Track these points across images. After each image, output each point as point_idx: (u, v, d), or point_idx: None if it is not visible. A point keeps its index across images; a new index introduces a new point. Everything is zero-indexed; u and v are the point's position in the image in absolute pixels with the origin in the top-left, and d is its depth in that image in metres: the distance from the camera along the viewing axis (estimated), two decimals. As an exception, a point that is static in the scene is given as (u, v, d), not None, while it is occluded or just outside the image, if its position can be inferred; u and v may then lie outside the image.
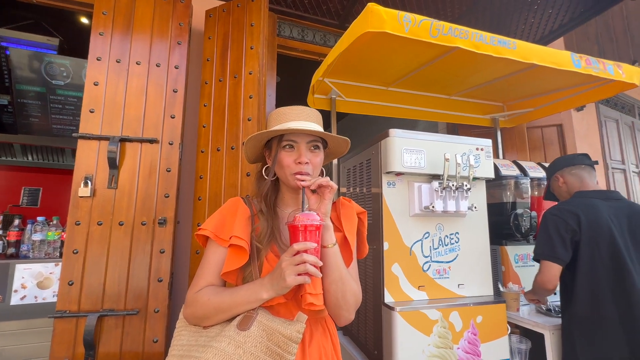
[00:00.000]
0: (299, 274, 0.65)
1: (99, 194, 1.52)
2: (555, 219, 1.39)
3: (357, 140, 1.60)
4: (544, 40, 2.70)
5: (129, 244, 1.51)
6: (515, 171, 1.95)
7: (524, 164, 2.03)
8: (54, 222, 1.97)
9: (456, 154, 1.40)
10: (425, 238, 1.44)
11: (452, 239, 1.48)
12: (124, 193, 1.55)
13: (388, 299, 1.35)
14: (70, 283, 1.41)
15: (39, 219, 1.94)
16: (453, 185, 1.38)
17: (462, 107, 2.52)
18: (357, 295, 0.79)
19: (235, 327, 0.67)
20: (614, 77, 1.74)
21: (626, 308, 1.24)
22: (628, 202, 1.42)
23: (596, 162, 1.55)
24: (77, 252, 1.44)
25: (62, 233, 1.95)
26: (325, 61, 1.70)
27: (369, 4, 1.27)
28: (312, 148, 0.82)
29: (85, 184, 1.49)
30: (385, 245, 1.39)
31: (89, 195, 1.48)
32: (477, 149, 1.51)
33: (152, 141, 1.62)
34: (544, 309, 1.65)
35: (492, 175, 1.54)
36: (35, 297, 1.77)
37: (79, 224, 1.47)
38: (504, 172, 1.91)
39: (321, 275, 0.69)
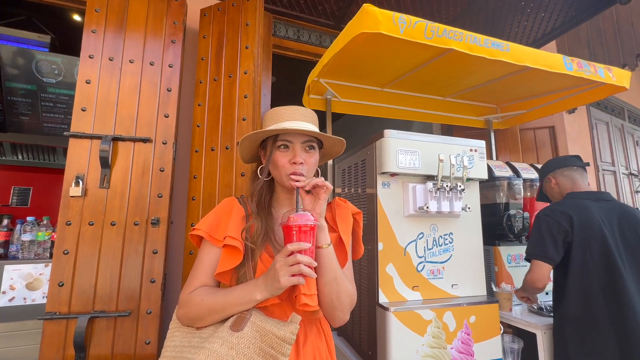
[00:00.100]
0: (293, 275, 0.65)
1: (91, 193, 1.49)
2: (547, 220, 1.40)
3: (354, 140, 1.60)
4: (537, 43, 2.74)
5: (121, 245, 1.49)
6: (508, 172, 1.97)
7: (516, 165, 2.06)
8: (44, 222, 1.94)
9: (450, 155, 1.41)
10: (420, 238, 1.45)
11: (446, 239, 1.49)
12: (116, 193, 1.53)
13: (382, 299, 1.36)
14: (60, 284, 1.39)
15: (29, 219, 1.90)
16: (447, 186, 1.39)
17: (456, 108, 2.54)
18: (352, 296, 0.79)
19: (229, 328, 0.66)
20: (604, 80, 1.77)
21: (617, 308, 1.26)
22: (619, 203, 1.44)
23: (587, 164, 1.58)
24: (67, 253, 1.42)
25: (53, 233, 1.91)
26: (320, 61, 1.70)
27: (364, 4, 1.27)
28: (307, 148, 0.82)
29: (77, 184, 1.46)
30: (380, 246, 1.39)
31: (80, 194, 1.46)
32: (470, 150, 1.53)
33: (145, 140, 1.60)
34: (536, 307, 1.67)
35: (485, 176, 1.55)
36: (25, 299, 1.74)
37: (70, 224, 1.44)
38: (497, 173, 1.93)
39: (316, 275, 0.68)
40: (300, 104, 1.80)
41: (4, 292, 1.71)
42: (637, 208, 3.70)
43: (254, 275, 0.74)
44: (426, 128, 3.51)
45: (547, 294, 1.84)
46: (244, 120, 1.74)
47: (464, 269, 1.50)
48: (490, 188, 2.01)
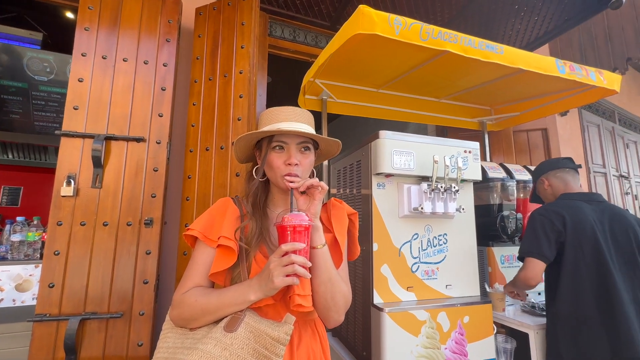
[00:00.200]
0: (287, 275, 0.65)
1: (83, 193, 1.47)
2: (542, 219, 1.42)
3: (352, 141, 1.60)
4: (530, 46, 2.77)
5: (114, 245, 1.47)
6: (501, 174, 1.99)
7: (510, 166, 2.08)
8: (35, 222, 1.91)
9: (445, 156, 1.42)
10: (414, 239, 1.46)
11: (441, 240, 1.50)
12: (109, 193, 1.51)
13: (377, 300, 1.36)
14: (50, 285, 1.36)
15: (19, 219, 1.87)
16: (442, 187, 1.40)
17: (451, 110, 2.56)
18: (347, 296, 0.78)
19: (222, 329, 0.66)
20: (595, 83, 1.80)
21: (608, 308, 1.28)
22: (610, 205, 1.46)
23: (579, 166, 1.60)
24: (58, 254, 1.40)
25: (43, 234, 1.88)
26: (316, 62, 1.70)
27: (360, 6, 1.28)
28: (302, 149, 0.81)
29: (68, 183, 1.44)
30: (375, 247, 1.39)
31: (71, 194, 1.44)
32: (465, 151, 1.54)
33: (139, 140, 1.58)
34: (525, 304, 1.69)
35: (479, 177, 1.57)
36: (14, 300, 1.70)
37: (61, 224, 1.42)
38: (491, 174, 1.95)
39: (310, 276, 0.68)
40: (296, 104, 1.80)
41: (-8, 294, 1.67)
42: (627, 209, 3.76)
43: (248, 276, 0.74)
44: (421, 129, 3.53)
45: (539, 294, 1.86)
46: (239, 120, 1.73)
47: (458, 269, 1.51)
48: (484, 189, 2.02)
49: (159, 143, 1.62)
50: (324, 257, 0.74)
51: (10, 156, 2.78)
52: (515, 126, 2.91)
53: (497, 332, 1.48)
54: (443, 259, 1.49)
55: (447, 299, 1.45)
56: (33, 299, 1.72)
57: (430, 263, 1.46)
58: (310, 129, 0.82)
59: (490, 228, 1.93)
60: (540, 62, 1.63)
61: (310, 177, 0.84)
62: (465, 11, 2.46)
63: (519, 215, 1.94)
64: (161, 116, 1.64)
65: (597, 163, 3.62)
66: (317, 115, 1.44)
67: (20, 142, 2.62)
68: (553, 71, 1.65)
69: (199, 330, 0.71)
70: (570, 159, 1.61)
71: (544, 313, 1.52)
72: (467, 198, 1.58)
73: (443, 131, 3.10)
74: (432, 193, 1.40)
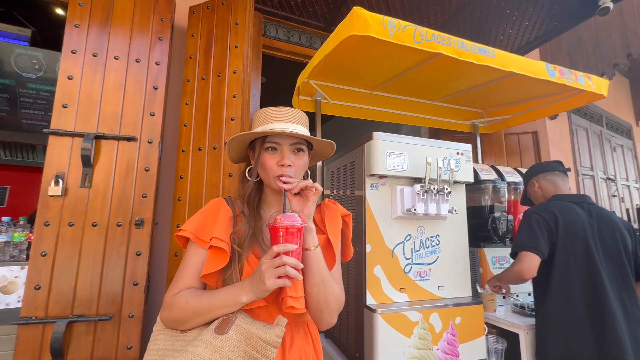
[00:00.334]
0: (279, 277, 0.64)
1: (71, 193, 1.44)
2: (537, 217, 1.43)
3: (346, 142, 1.59)
4: (521, 51, 2.82)
5: (103, 246, 1.45)
6: (493, 176, 2.02)
7: (501, 169, 2.10)
8: (21, 222, 1.86)
9: (438, 158, 1.43)
10: (407, 240, 1.46)
11: (433, 241, 1.51)
12: (99, 192, 1.48)
13: (370, 301, 1.36)
14: (37, 287, 1.33)
15: (4, 219, 1.82)
16: (434, 188, 1.41)
17: (444, 112, 2.58)
18: (340, 298, 0.78)
19: (213, 331, 0.65)
20: (584, 87, 1.84)
21: (596, 308, 1.30)
22: (598, 207, 1.49)
23: (569, 169, 1.63)
24: (45, 255, 1.36)
25: (30, 234, 1.84)
26: (310, 63, 1.70)
27: (354, 7, 1.28)
28: (296, 150, 0.81)
29: (56, 183, 1.41)
30: (368, 248, 1.39)
31: (59, 194, 1.41)
32: (457, 153, 1.55)
33: (129, 139, 1.56)
34: (518, 307, 1.71)
35: (471, 179, 1.58)
36: (-2, 303, 1.66)
37: (48, 225, 1.39)
38: (483, 176, 1.97)
39: (302, 278, 0.68)
40: (290, 105, 1.79)
41: (-25, 296, 1.62)
42: (614, 212, 3.85)
43: (240, 277, 0.73)
44: (415, 131, 3.56)
45: (529, 294, 1.89)
46: (232, 120, 1.72)
47: (450, 270, 1.52)
48: (475, 191, 2.05)
49: (150, 142, 1.60)
50: (317, 258, 0.74)
51: (-4, 155, 2.71)
52: (506, 129, 2.95)
53: (488, 333, 1.50)
54: (435, 260, 1.50)
55: (439, 300, 1.45)
56: (18, 301, 1.68)
57: (423, 264, 1.47)
58: (304, 130, 0.82)
59: (481, 229, 1.95)
60: (531, 65, 1.66)
61: (304, 178, 0.84)
62: (459, 15, 2.49)
63: (510, 216, 1.97)
64: (153, 115, 1.62)
65: (585, 166, 3.70)
66: (311, 116, 1.44)
67: (7, 140, 2.56)
68: (543, 75, 1.68)
69: (189, 332, 0.70)
70: (560, 162, 1.64)
71: (534, 313, 1.54)
72: (459, 200, 1.59)
73: (436, 133, 3.13)
74: (425, 194, 1.41)
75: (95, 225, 1.45)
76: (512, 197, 2.11)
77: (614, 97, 4.48)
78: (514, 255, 1.46)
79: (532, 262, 1.36)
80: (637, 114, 4.95)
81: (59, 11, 2.70)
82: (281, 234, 0.66)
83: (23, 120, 2.47)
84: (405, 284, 1.43)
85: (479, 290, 1.74)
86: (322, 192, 2.03)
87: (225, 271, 0.75)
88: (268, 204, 0.86)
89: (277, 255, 0.65)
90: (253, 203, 0.83)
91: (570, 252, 1.37)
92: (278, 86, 3.77)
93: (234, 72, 1.77)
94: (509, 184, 2.06)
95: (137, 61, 1.63)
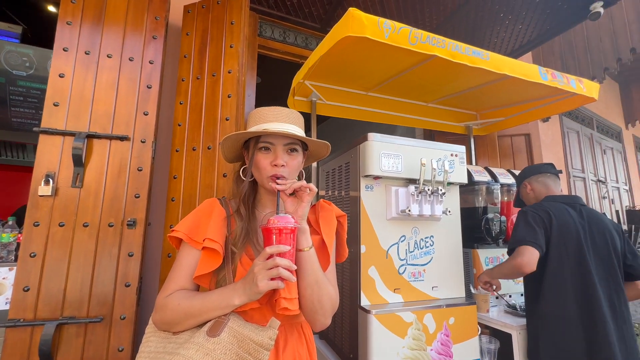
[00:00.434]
0: (272, 279, 0.63)
1: (62, 193, 1.42)
2: (533, 214, 1.44)
3: (343, 143, 1.59)
4: (514, 54, 2.86)
5: (94, 247, 1.42)
6: (486, 177, 2.03)
7: (495, 170, 2.12)
8: (10, 222, 1.82)
9: (432, 159, 1.44)
10: (402, 241, 1.47)
11: (427, 242, 1.51)
12: (90, 192, 1.46)
13: (364, 302, 1.36)
14: (25, 289, 1.31)
15: (-7, 219, 1.79)
16: (429, 189, 1.41)
17: (438, 114, 2.60)
18: (334, 299, 0.77)
19: (205, 334, 0.64)
20: (576, 90, 1.87)
21: (587, 307, 1.32)
22: (588, 208, 1.51)
23: (560, 171, 1.65)
24: (34, 256, 1.34)
25: (19, 235, 1.80)
26: (306, 63, 1.70)
27: (349, 8, 1.28)
28: (290, 151, 0.80)
29: (47, 182, 1.39)
30: (363, 249, 1.39)
31: (50, 194, 1.38)
32: (451, 154, 1.56)
33: (122, 138, 1.54)
34: (511, 307, 1.72)
35: (465, 180, 1.59)
36: (-15, 305, 1.62)
37: (38, 225, 1.36)
38: (477, 177, 1.99)
39: (295, 279, 0.67)
40: (286, 105, 1.79)
41: (-38, 298, 1.59)
42: (605, 213, 3.91)
43: (234, 279, 0.72)
44: (409, 132, 3.57)
45: (522, 295, 1.91)
46: (227, 120, 1.71)
47: (444, 271, 1.53)
48: (469, 192, 2.06)
49: (143, 142, 1.58)
50: (311, 259, 0.73)
51: (-16, 153, 2.66)
52: (500, 131, 2.99)
53: (481, 333, 1.50)
54: (429, 261, 1.50)
55: (433, 301, 1.46)
56: (6, 303, 1.64)
57: (417, 265, 1.48)
58: (298, 130, 0.81)
59: (475, 230, 1.97)
60: (524, 68, 1.68)
61: (299, 178, 0.83)
62: (453, 18, 2.52)
63: (503, 218, 1.98)
64: (146, 114, 1.60)
65: (577, 168, 3.76)
66: (306, 117, 1.43)
67: (-4, 139, 2.51)
68: (536, 78, 1.70)
69: (181, 334, 0.69)
70: (551, 165, 1.66)
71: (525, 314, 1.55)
72: (453, 201, 1.60)
73: (430, 135, 3.15)
74: (420, 195, 1.42)
75: (87, 226, 1.43)
76: (506, 198, 2.13)
77: (605, 101, 4.57)
78: (511, 250, 1.44)
79: (532, 255, 1.34)
80: (626, 117, 5.05)
81: (51, 8, 2.66)
82: (274, 235, 0.66)
83: (13, 119, 2.42)
84: (400, 284, 1.43)
85: (473, 290, 1.76)
86: (317, 193, 2.03)
87: (218, 272, 0.74)
88: (262, 204, 0.86)
89: (270, 256, 0.64)
90: (247, 203, 0.82)
91: (563, 251, 1.38)
92: (273, 86, 3.76)
93: (229, 72, 1.76)
94: (502, 185, 2.08)
95: (131, 60, 1.61)
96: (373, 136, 1.43)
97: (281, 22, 2.56)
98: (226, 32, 1.81)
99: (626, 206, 4.52)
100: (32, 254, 1.34)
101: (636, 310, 3.04)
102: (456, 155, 1.58)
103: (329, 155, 0.94)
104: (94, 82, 1.53)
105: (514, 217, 2.02)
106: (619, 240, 1.43)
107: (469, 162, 2.62)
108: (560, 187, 1.63)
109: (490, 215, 1.95)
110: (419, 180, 1.41)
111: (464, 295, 1.55)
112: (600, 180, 4.09)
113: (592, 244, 1.40)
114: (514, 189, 2.06)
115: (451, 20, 2.55)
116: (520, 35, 2.67)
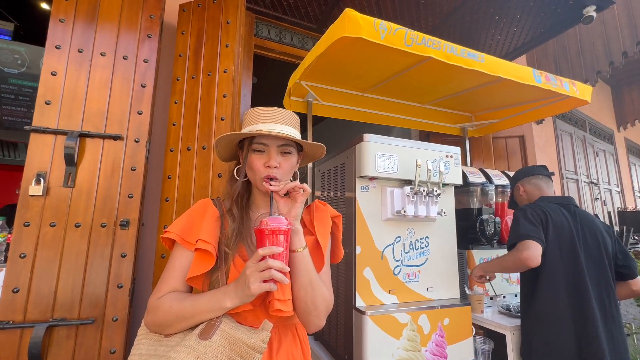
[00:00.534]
0: (264, 281, 0.63)
1: (53, 192, 1.39)
2: (532, 211, 1.45)
3: (340, 144, 1.58)
4: (509, 56, 2.88)
5: (86, 247, 1.40)
6: (481, 178, 2.05)
7: (489, 171, 2.14)
8: (0, 222, 1.79)
9: (427, 160, 1.44)
10: (397, 242, 1.47)
11: (422, 243, 1.52)
12: (82, 192, 1.44)
13: (359, 303, 1.36)
14: (15, 290, 1.28)
15: (-18, 219, 1.75)
16: (424, 190, 1.42)
17: (434, 115, 2.61)
18: (328, 301, 0.77)
19: (197, 337, 0.63)
20: (569, 93, 1.89)
21: (578, 306, 1.33)
22: (581, 210, 1.53)
23: (552, 173, 1.67)
24: (24, 256, 1.31)
25: (8, 235, 1.77)
26: (302, 64, 1.70)
27: (346, 9, 1.28)
28: (284, 152, 0.80)
29: (37, 182, 1.36)
30: (358, 249, 1.39)
31: (41, 193, 1.36)
32: (447, 156, 1.57)
33: (116, 137, 1.52)
34: (504, 308, 1.73)
35: (460, 181, 1.60)
36: (-26, 307, 1.59)
37: (28, 225, 1.34)
38: (472, 179, 2.00)
39: (288, 281, 0.66)
40: (282, 105, 1.78)
41: (-51, 300, 1.55)
42: (597, 215, 3.96)
43: (227, 281, 0.71)
44: (405, 133, 3.59)
45: (515, 295, 1.92)
46: (222, 120, 1.70)
47: (439, 272, 1.53)
48: (464, 193, 2.07)
49: (137, 141, 1.56)
50: (305, 260, 0.72)
51: (-26, 152, 2.62)
52: (494, 133, 3.01)
53: (475, 334, 1.51)
54: (424, 262, 1.51)
55: (428, 302, 1.46)
56: (-5, 305, 1.61)
57: (412, 266, 1.48)
58: (293, 131, 0.81)
59: (469, 231, 1.98)
60: (518, 71, 1.70)
61: (294, 178, 0.83)
62: (449, 20, 2.53)
63: (498, 219, 2.00)
64: (140, 114, 1.59)
65: (570, 170, 3.80)
66: (302, 118, 1.43)
67: (-14, 137, 2.47)
68: (530, 80, 1.72)
69: (173, 337, 0.68)
70: (544, 167, 1.67)
71: (519, 314, 1.56)
72: (448, 202, 1.61)
73: (426, 136, 3.16)
74: (415, 196, 1.42)
75: (78, 226, 1.41)
76: (500, 199, 2.14)
77: (597, 104, 4.63)
78: (513, 245, 1.42)
79: (537, 250, 1.34)
80: (618, 120, 5.13)
81: (44, 5, 2.63)
82: (267, 236, 0.65)
83: (4, 117, 2.38)
84: (395, 285, 1.43)
85: (467, 291, 1.76)
86: (313, 193, 2.03)
87: (211, 274, 0.73)
88: (257, 205, 0.85)
89: (263, 258, 0.63)
90: (241, 203, 0.82)
91: (557, 251, 1.40)
92: (269, 87, 3.75)
93: (225, 72, 1.75)
94: (496, 186, 2.09)
95: (125, 58, 1.60)
96: (369, 137, 1.43)
97: (277, 22, 2.55)
98: (222, 32, 1.80)
99: (618, 208, 4.59)
100: (22, 255, 1.31)
101: (627, 311, 3.08)
102: (451, 157, 1.58)
103: (325, 155, 0.93)
104: (87, 80, 1.51)
105: (508, 219, 2.04)
106: (610, 242, 1.45)
107: (464, 163, 2.63)
108: (553, 189, 1.64)
109: (484, 217, 1.96)
110: (414, 181, 1.41)
111: (458, 296, 1.55)
112: (592, 182, 4.14)
113: (585, 245, 1.42)
114: (509, 190, 2.08)
115: (447, 23, 2.56)
116: (515, 38, 2.69)
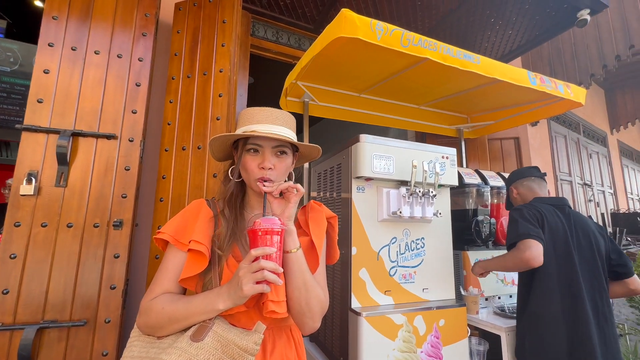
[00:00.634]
0: (257, 282, 0.62)
1: (45, 192, 1.37)
2: (528, 211, 1.45)
3: (336, 144, 1.57)
4: (504, 59, 2.90)
5: (78, 248, 1.38)
6: (477, 179, 2.05)
7: (485, 173, 2.15)
8: (-10, 223, 1.76)
9: (423, 161, 1.44)
10: (393, 243, 1.47)
11: (418, 244, 1.52)
12: (75, 192, 1.42)
13: (355, 304, 1.35)
14: (5, 292, 1.26)
15: (-28, 219, 1.72)
16: (420, 191, 1.42)
17: (430, 117, 2.62)
18: (323, 302, 0.76)
19: (189, 338, 0.62)
20: (563, 95, 1.90)
21: (571, 306, 1.34)
22: (574, 212, 1.54)
23: (545, 174, 1.68)
24: (15, 257, 1.29)
25: None
26: (299, 64, 1.70)
27: (342, 9, 1.28)
28: (278, 153, 0.79)
29: (29, 181, 1.34)
30: (354, 250, 1.39)
31: (32, 193, 1.34)
32: (442, 157, 1.57)
33: (109, 137, 1.50)
34: (499, 309, 1.74)
35: (456, 182, 1.60)
36: (-38, 308, 1.56)
37: (19, 225, 1.32)
38: (467, 180, 2.00)
39: (282, 282, 0.66)
40: (278, 106, 1.77)
41: (-63, 301, 1.52)
42: (590, 216, 4.00)
43: (220, 282, 0.70)
44: (402, 134, 3.60)
45: (510, 296, 1.93)
46: (218, 119, 1.69)
47: (435, 273, 1.53)
48: (460, 194, 2.08)
49: (131, 141, 1.54)
50: (298, 261, 0.72)
51: (-35, 151, 2.57)
52: (490, 134, 3.03)
53: (470, 335, 1.51)
54: (420, 263, 1.51)
55: (424, 303, 1.46)
56: (-15, 306, 1.58)
57: (408, 267, 1.48)
58: (289, 132, 0.80)
59: (465, 232, 1.98)
60: (513, 73, 1.71)
61: (288, 179, 0.82)
62: (445, 21, 2.54)
63: (493, 220, 2.00)
64: (135, 113, 1.57)
65: (564, 171, 3.83)
66: (298, 118, 1.42)
67: (-23, 136, 2.43)
68: (525, 82, 1.73)
69: (165, 339, 0.67)
70: (536, 168, 1.68)
71: (515, 315, 1.57)
72: (444, 203, 1.61)
73: (422, 137, 3.17)
74: (411, 197, 1.42)
75: (71, 227, 1.39)
76: (495, 200, 2.15)
77: (591, 106, 4.68)
78: (512, 245, 1.41)
79: (538, 249, 1.32)
80: (611, 123, 5.19)
81: (37, 2, 2.60)
82: (260, 237, 0.65)
83: (-5, 115, 2.35)
84: (391, 286, 1.43)
85: (463, 292, 1.77)
86: (308, 194, 2.02)
87: (204, 275, 0.72)
88: (251, 206, 0.84)
89: (256, 259, 0.63)
90: (235, 203, 0.81)
91: (552, 252, 1.40)
92: (266, 87, 3.74)
93: (221, 71, 1.74)
94: (492, 187, 2.10)
95: (119, 57, 1.58)
96: (365, 137, 1.43)
97: (274, 22, 2.55)
98: (218, 31, 1.79)
99: (611, 209, 4.64)
100: (12, 256, 1.29)
101: (620, 312, 3.11)
102: (447, 158, 1.59)
103: (321, 156, 0.93)
104: (80, 78, 1.50)
105: (503, 220, 2.05)
106: (603, 243, 1.46)
107: (460, 164, 2.64)
108: (547, 189, 1.65)
109: (480, 218, 1.97)
110: (410, 182, 1.41)
111: (454, 297, 1.55)
112: (586, 184, 4.18)
113: (578, 247, 1.43)
114: (504, 191, 2.09)
115: (443, 24, 2.57)
116: (511, 41, 2.71)
